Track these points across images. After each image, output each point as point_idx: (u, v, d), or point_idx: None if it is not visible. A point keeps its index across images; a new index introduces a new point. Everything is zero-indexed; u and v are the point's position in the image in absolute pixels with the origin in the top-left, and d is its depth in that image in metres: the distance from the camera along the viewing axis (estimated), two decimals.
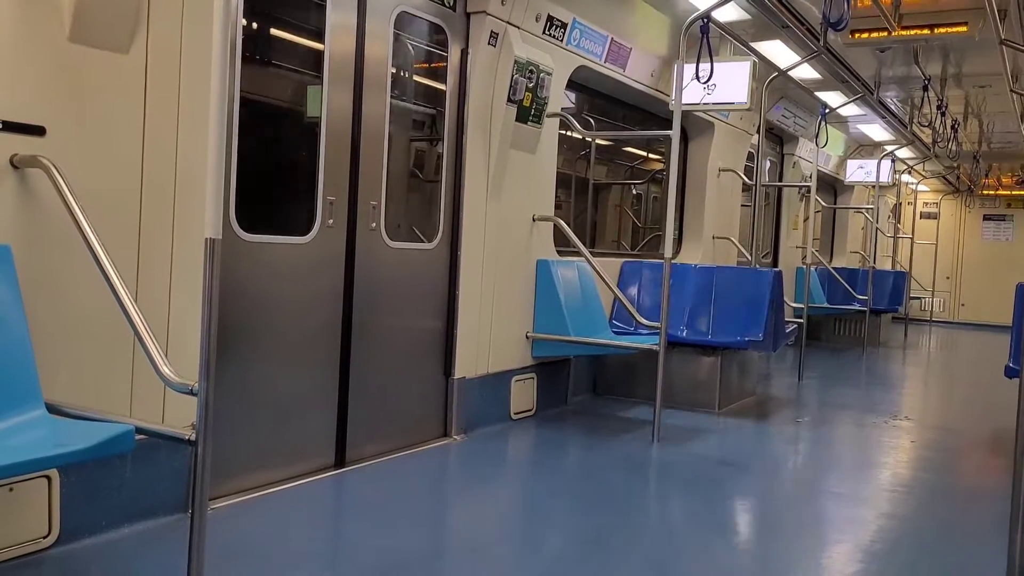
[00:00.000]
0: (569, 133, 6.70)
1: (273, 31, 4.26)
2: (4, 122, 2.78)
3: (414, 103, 5.13)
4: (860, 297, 11.31)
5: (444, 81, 5.04)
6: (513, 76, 5.15)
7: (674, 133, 5.47)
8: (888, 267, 14.39)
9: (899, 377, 10.12)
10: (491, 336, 5.39)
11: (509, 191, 5.44)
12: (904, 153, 13.02)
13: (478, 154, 5.17)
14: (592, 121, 7.42)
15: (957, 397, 8.98)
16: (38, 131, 2.88)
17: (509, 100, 5.18)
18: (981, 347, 13.74)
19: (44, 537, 3.00)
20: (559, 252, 6.06)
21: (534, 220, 5.76)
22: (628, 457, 5.08)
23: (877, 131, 11.79)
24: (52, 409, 2.68)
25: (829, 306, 11.42)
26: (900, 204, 16.36)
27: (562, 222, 5.92)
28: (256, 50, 3.97)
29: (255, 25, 3.97)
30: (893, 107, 10.34)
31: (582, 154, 7.72)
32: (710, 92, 6.61)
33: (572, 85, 6.19)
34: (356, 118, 4.36)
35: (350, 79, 4.32)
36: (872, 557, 3.67)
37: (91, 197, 2.92)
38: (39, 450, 2.38)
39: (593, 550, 3.50)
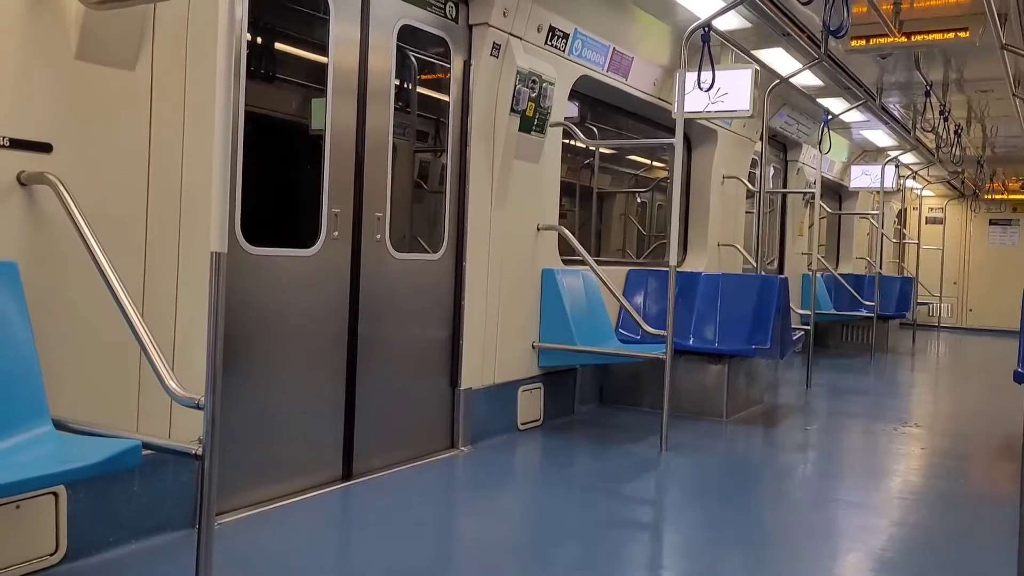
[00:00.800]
0: (573, 142, 6.71)
1: (277, 45, 4.28)
2: (11, 139, 2.80)
3: (418, 114, 5.14)
4: (867, 303, 11.29)
5: (447, 92, 5.05)
6: (516, 86, 5.16)
7: (677, 141, 5.48)
8: (894, 273, 14.36)
9: (908, 383, 10.09)
10: (497, 346, 5.38)
11: (513, 201, 5.45)
12: (908, 158, 13.01)
13: (482, 164, 5.18)
14: (595, 130, 7.43)
15: (967, 403, 8.94)
16: (45, 148, 2.89)
17: (512, 110, 5.19)
18: (990, 352, 13.69)
19: (51, 554, 2.99)
20: (564, 261, 6.06)
21: (539, 229, 5.76)
22: (636, 467, 5.06)
23: (880, 137, 11.79)
24: (59, 425, 2.69)
25: (836, 312, 11.39)
26: (905, 209, 16.34)
27: (567, 231, 5.92)
28: (260, 64, 3.99)
29: (259, 39, 3.99)
30: (896, 113, 10.34)
31: (586, 163, 7.73)
32: (713, 100, 6.62)
33: (575, 95, 6.20)
34: (360, 130, 4.37)
35: (354, 91, 4.33)
36: (884, 565, 3.65)
37: (97, 213, 2.93)
38: (46, 467, 2.38)
39: (602, 561, 3.48)
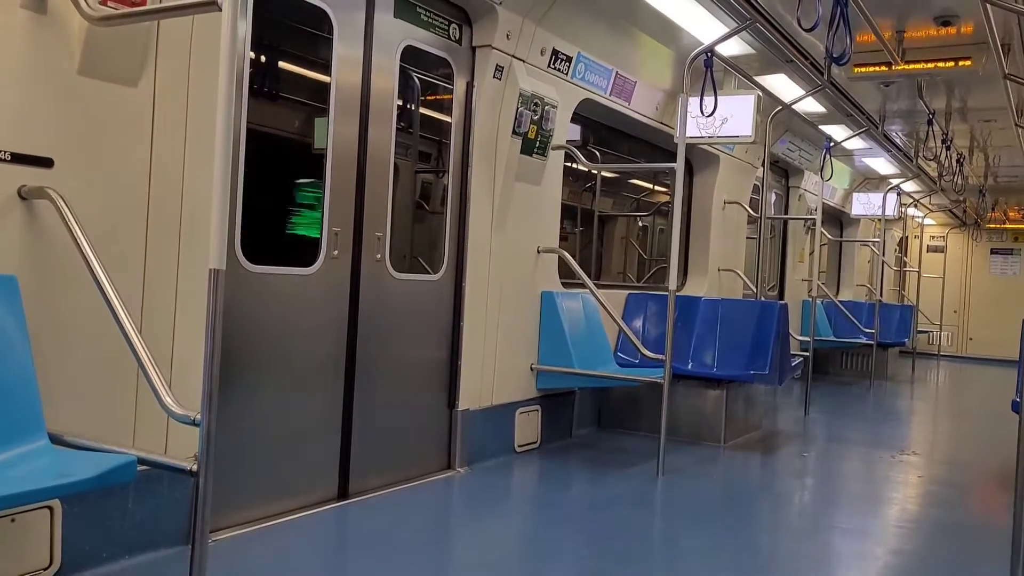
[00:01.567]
0: (574, 165, 6.73)
1: (280, 64, 4.31)
2: (12, 154, 2.81)
3: (420, 135, 5.17)
4: (867, 330, 11.27)
5: (450, 113, 5.08)
6: (518, 109, 5.19)
7: (679, 166, 5.50)
8: (895, 300, 14.35)
9: (906, 411, 10.06)
10: (495, 368, 5.38)
11: (514, 223, 5.46)
12: (910, 186, 13.03)
13: (483, 186, 5.19)
14: (597, 153, 7.46)
15: (965, 432, 8.91)
16: (46, 163, 2.90)
17: (514, 132, 5.22)
18: (989, 382, 13.65)
19: (45, 568, 2.98)
20: (564, 284, 6.07)
21: (539, 252, 5.77)
22: (633, 491, 5.04)
23: (883, 164, 11.82)
24: (55, 439, 2.68)
25: (835, 339, 11.37)
26: (906, 237, 16.36)
27: (567, 254, 5.93)
28: (263, 83, 4.01)
29: (262, 58, 4.02)
30: (898, 141, 10.37)
31: (588, 186, 7.75)
32: (715, 125, 6.65)
33: (577, 118, 6.23)
34: (362, 149, 4.39)
35: (356, 111, 4.35)
36: None
37: (97, 228, 2.94)
38: (41, 480, 2.38)
39: None
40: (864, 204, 12.53)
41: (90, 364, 3.06)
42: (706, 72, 5.89)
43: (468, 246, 5.12)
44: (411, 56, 4.72)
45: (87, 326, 3.00)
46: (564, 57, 5.68)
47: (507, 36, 5.09)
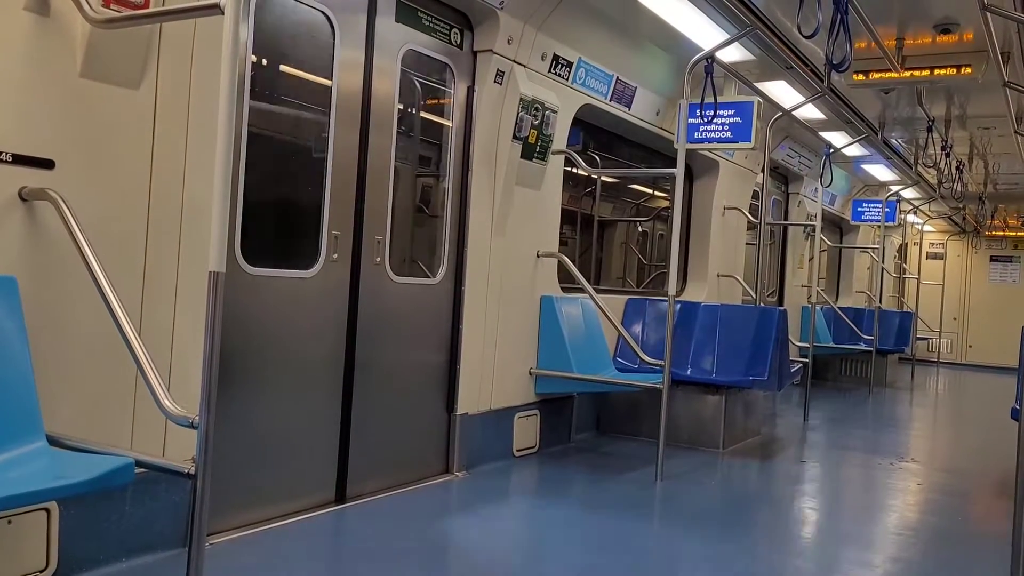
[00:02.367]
0: (574, 170, 6.74)
1: (281, 67, 4.31)
2: (14, 155, 2.82)
3: (420, 139, 5.17)
4: (866, 337, 11.27)
5: (450, 117, 5.08)
6: (519, 113, 5.19)
7: (679, 171, 5.50)
8: (894, 307, 14.35)
9: (906, 418, 10.05)
10: (494, 372, 5.38)
11: (514, 227, 5.47)
12: (909, 193, 13.05)
13: (483, 190, 5.20)
14: (597, 158, 7.46)
15: (964, 439, 8.91)
16: (47, 164, 2.91)
17: (514, 137, 5.22)
18: (989, 389, 13.65)
19: (42, 571, 2.98)
20: (563, 288, 6.07)
21: (538, 256, 5.77)
22: (631, 496, 5.04)
23: (882, 171, 11.83)
24: (53, 441, 2.68)
25: (835, 346, 11.38)
26: (906, 244, 16.37)
27: (566, 259, 5.94)
28: (264, 86, 4.01)
29: (264, 61, 4.02)
30: (898, 147, 10.38)
31: (588, 191, 7.75)
32: (715, 131, 6.66)
33: (577, 122, 6.23)
34: (362, 153, 4.39)
35: (357, 115, 4.36)
36: None
37: (98, 230, 2.94)
38: (39, 482, 2.38)
39: None
40: (864, 210, 12.54)
41: (89, 366, 3.06)
42: (706, 78, 5.90)
43: (468, 250, 5.12)
44: (412, 60, 4.73)
45: (86, 328, 3.01)
46: (565, 62, 5.69)
47: (508, 41, 5.10)
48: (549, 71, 5.57)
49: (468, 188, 5.12)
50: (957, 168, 10.79)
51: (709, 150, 7.66)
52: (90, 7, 2.85)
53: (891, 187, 12.61)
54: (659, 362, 5.46)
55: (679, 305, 6.78)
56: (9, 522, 2.87)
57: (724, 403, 6.43)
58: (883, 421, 9.50)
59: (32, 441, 2.62)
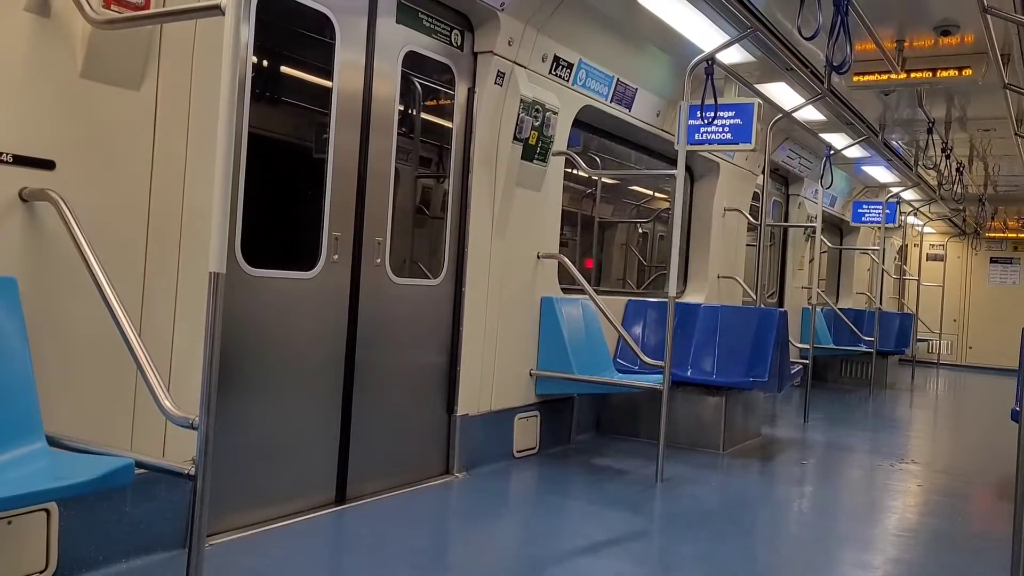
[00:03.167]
0: (575, 171, 6.74)
1: (282, 68, 4.31)
2: (14, 155, 2.82)
3: (421, 140, 5.17)
4: (866, 338, 11.27)
5: (451, 119, 5.08)
6: (519, 115, 5.20)
7: (679, 172, 5.50)
8: (895, 309, 14.35)
9: (906, 420, 10.05)
10: (495, 373, 5.38)
11: (514, 228, 5.47)
12: (910, 195, 13.05)
13: (484, 191, 5.20)
14: (598, 160, 7.46)
15: (964, 441, 8.91)
16: (47, 165, 2.91)
17: (515, 138, 5.23)
18: (989, 390, 13.65)
19: (41, 572, 2.97)
20: (564, 289, 6.07)
21: (539, 257, 5.77)
22: (631, 498, 5.04)
23: (882, 173, 11.84)
24: (53, 442, 2.68)
25: (835, 347, 11.38)
26: (906, 246, 16.37)
27: (567, 260, 5.94)
28: (265, 87, 4.02)
29: (264, 62, 4.02)
30: (898, 149, 10.39)
31: (588, 192, 7.75)
32: (715, 133, 6.66)
33: (578, 124, 6.24)
34: (363, 154, 4.40)
35: (358, 116, 4.36)
36: None
37: (98, 231, 2.94)
38: (38, 483, 2.38)
39: None
40: (864, 212, 12.55)
41: (89, 367, 3.06)
42: (707, 80, 5.90)
43: (468, 251, 5.12)
44: (413, 62, 4.73)
45: (86, 328, 3.00)
46: (565, 64, 5.69)
47: (509, 42, 5.10)
48: (550, 72, 5.57)
49: (469, 189, 5.12)
50: (957, 170, 10.79)
51: (709, 152, 7.66)
52: (91, 8, 2.85)
53: (891, 189, 12.61)
54: (659, 363, 5.46)
55: (679, 306, 6.77)
56: (9, 523, 2.87)
57: (724, 404, 6.43)
58: (883, 422, 9.50)
59: (32, 442, 2.62)
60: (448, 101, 5.09)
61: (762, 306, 8.10)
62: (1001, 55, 5.95)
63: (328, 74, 4.22)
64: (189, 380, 3.25)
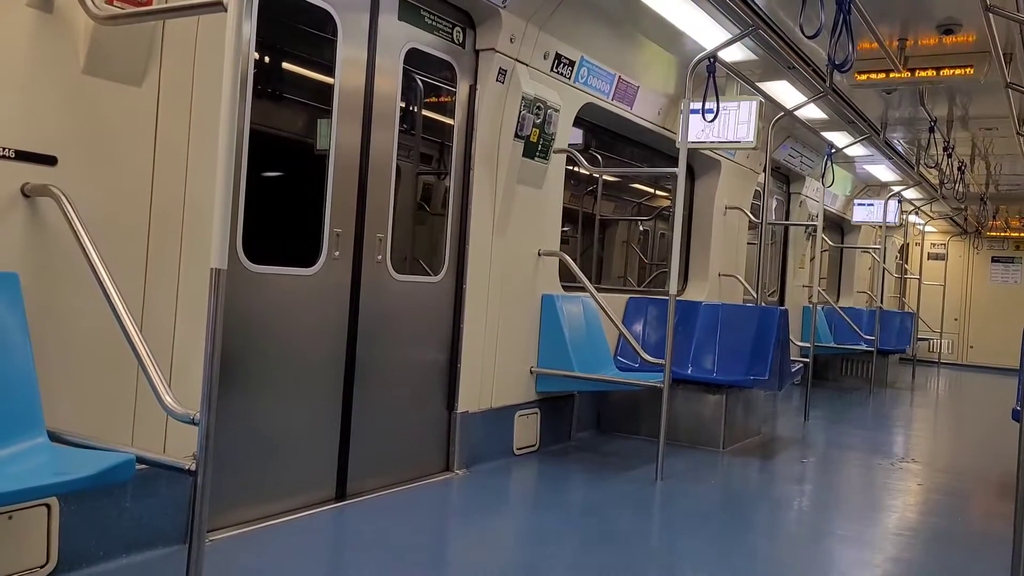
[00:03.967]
0: (576, 169, 6.74)
1: (284, 64, 4.31)
2: (16, 151, 2.82)
3: (422, 137, 5.17)
4: (867, 337, 11.27)
5: (452, 116, 5.08)
6: (521, 112, 5.20)
7: (680, 170, 5.50)
8: (895, 307, 14.35)
9: (906, 419, 10.05)
10: (495, 370, 5.38)
11: (515, 226, 5.47)
12: (911, 194, 13.04)
13: (485, 189, 5.20)
14: (599, 157, 7.46)
15: (965, 440, 8.91)
16: (50, 161, 2.91)
17: (516, 136, 5.23)
18: (989, 390, 13.65)
19: (42, 566, 2.98)
20: (564, 287, 6.07)
21: (539, 255, 5.77)
22: (631, 495, 5.04)
23: (884, 171, 11.83)
24: (54, 437, 2.69)
25: (836, 346, 11.37)
26: (907, 245, 16.37)
27: (567, 257, 5.94)
28: (267, 83, 4.02)
29: (267, 59, 4.02)
30: (900, 148, 10.38)
31: (589, 190, 7.75)
32: (716, 131, 6.66)
33: (579, 122, 6.24)
34: (364, 151, 4.40)
35: (359, 113, 4.36)
36: None
37: (99, 227, 2.95)
38: (39, 478, 2.38)
39: None
40: (865, 211, 12.54)
41: (90, 362, 3.06)
42: (708, 78, 5.90)
43: (469, 248, 5.12)
44: (414, 58, 4.73)
45: (88, 324, 3.01)
46: (567, 61, 5.69)
47: (510, 40, 5.10)
48: (551, 70, 5.57)
49: (470, 186, 5.12)
50: (959, 169, 10.79)
51: (711, 150, 7.66)
52: (93, 4, 2.85)
53: (893, 187, 12.60)
54: (660, 361, 5.46)
55: (680, 304, 6.77)
56: (10, 517, 2.88)
57: (725, 402, 6.43)
58: (883, 421, 9.50)
59: (33, 437, 2.63)
60: (449, 98, 5.09)
61: (763, 304, 8.10)
62: (1003, 54, 5.95)
63: (330, 70, 4.22)
64: (190, 376, 3.26)
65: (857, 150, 10.01)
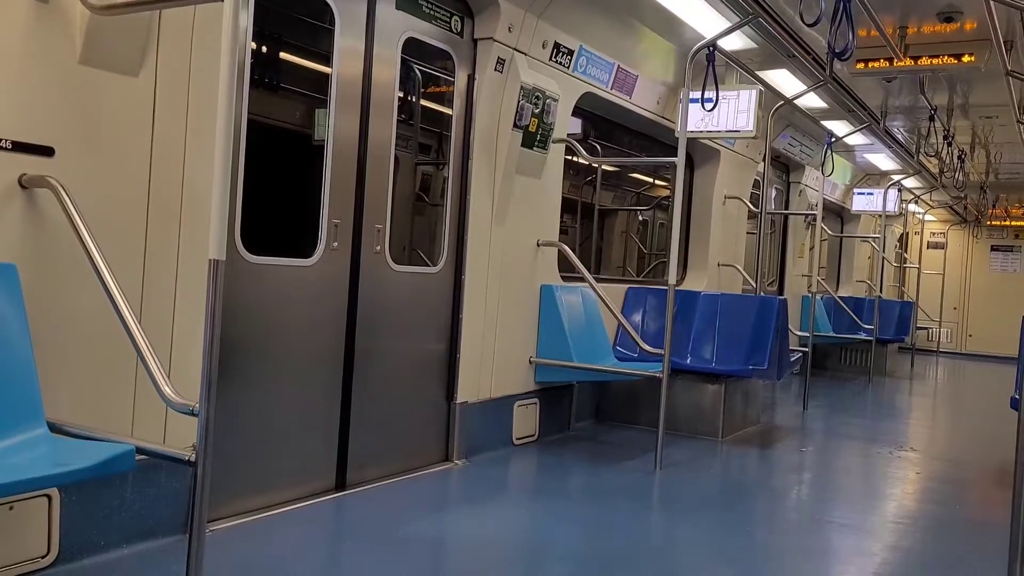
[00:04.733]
0: (575, 159, 6.72)
1: (281, 55, 4.30)
2: (13, 142, 2.81)
3: (420, 127, 5.16)
4: (866, 326, 11.28)
5: (451, 106, 5.07)
6: (519, 102, 5.18)
7: (679, 160, 5.49)
8: (895, 297, 14.35)
9: (905, 407, 10.07)
10: (494, 361, 5.38)
11: (514, 216, 5.46)
12: (911, 183, 13.02)
13: (483, 179, 5.19)
14: (598, 147, 7.45)
15: (963, 428, 8.93)
16: (47, 152, 2.90)
17: (515, 126, 5.21)
18: (988, 378, 13.67)
19: (43, 556, 2.99)
20: (564, 277, 6.07)
21: (538, 245, 5.77)
22: (630, 484, 5.05)
23: (884, 160, 11.81)
24: (54, 428, 2.69)
25: (835, 335, 11.38)
26: (907, 233, 16.35)
27: (566, 248, 5.93)
28: (264, 73, 4.01)
29: (264, 49, 4.01)
30: (900, 136, 10.36)
31: (588, 180, 7.74)
32: (716, 120, 6.65)
33: (578, 111, 6.22)
34: (362, 141, 4.39)
35: (357, 103, 4.35)
36: None
37: (97, 218, 2.94)
38: (40, 469, 2.39)
39: None
40: (865, 200, 12.52)
41: (89, 353, 3.06)
42: (708, 66, 5.88)
43: (468, 239, 5.12)
44: (412, 48, 4.72)
45: (87, 315, 3.01)
46: (566, 50, 5.68)
47: (509, 29, 5.08)
48: (550, 59, 5.56)
49: (468, 177, 5.12)
50: (959, 157, 10.77)
51: (710, 139, 7.64)
52: None
53: (892, 176, 12.58)
54: (659, 351, 5.46)
55: (679, 294, 6.76)
56: (11, 508, 2.88)
57: (724, 392, 6.44)
58: (882, 410, 9.52)
59: (33, 428, 2.63)
60: (448, 88, 5.07)
61: (762, 294, 8.10)
62: (1004, 42, 5.93)
63: (327, 60, 4.21)
64: (189, 367, 3.26)
65: (857, 139, 9.99)
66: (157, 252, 3.28)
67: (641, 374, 5.66)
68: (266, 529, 3.74)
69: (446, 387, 5.11)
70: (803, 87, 7.53)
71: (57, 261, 2.94)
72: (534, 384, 5.81)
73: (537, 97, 5.31)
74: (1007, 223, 16.94)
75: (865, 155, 11.59)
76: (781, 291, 11.05)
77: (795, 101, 7.84)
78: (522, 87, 5.18)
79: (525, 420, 5.74)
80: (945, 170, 10.99)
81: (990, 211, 15.96)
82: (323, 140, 4.21)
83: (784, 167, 11.03)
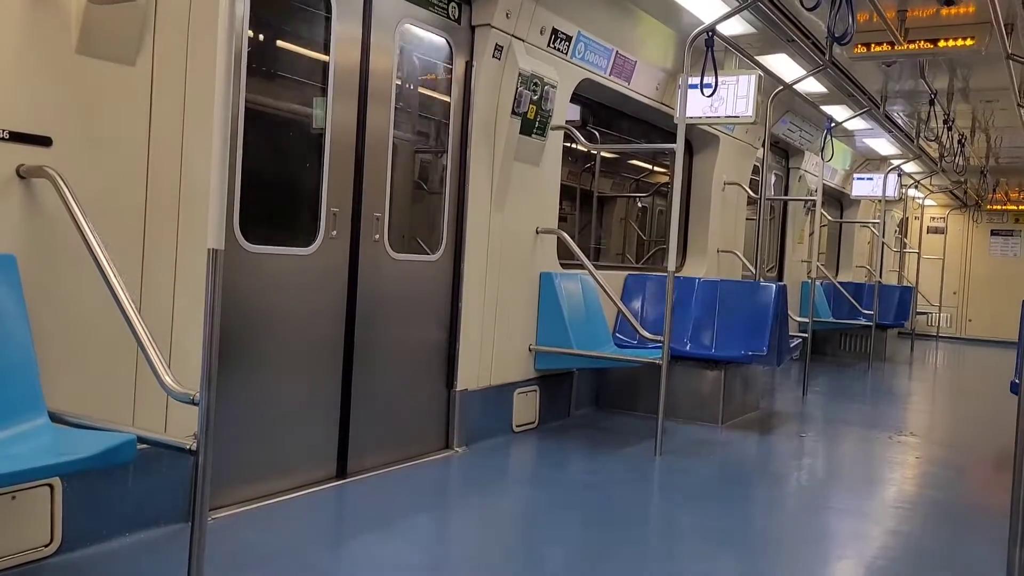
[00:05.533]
0: (574, 145, 6.71)
1: (278, 42, 4.28)
2: (11, 132, 2.81)
3: (419, 115, 5.15)
4: (866, 312, 11.28)
5: (449, 93, 5.06)
6: (517, 88, 5.17)
7: (678, 146, 5.48)
8: (894, 282, 14.36)
9: (904, 392, 10.09)
10: (494, 348, 5.39)
11: (513, 203, 5.45)
12: (911, 167, 13.01)
13: (482, 166, 5.18)
14: (597, 134, 7.43)
15: (963, 413, 8.94)
16: (44, 142, 2.90)
17: (513, 112, 5.20)
18: (988, 363, 13.69)
19: (46, 546, 3.01)
20: (563, 264, 6.07)
21: (538, 232, 5.76)
22: (631, 471, 5.07)
23: (883, 145, 11.79)
24: (55, 418, 2.70)
25: (834, 321, 11.39)
26: (907, 218, 16.34)
27: (565, 235, 5.93)
28: (261, 61, 3.99)
29: (261, 36, 3.99)
30: (899, 121, 10.34)
31: (587, 167, 7.73)
32: (715, 105, 6.63)
33: (577, 98, 6.20)
34: (360, 129, 4.38)
35: (355, 90, 4.34)
36: (875, 573, 3.66)
37: (96, 207, 2.94)
38: (41, 458, 2.39)
39: (596, 565, 3.49)
40: (864, 185, 12.51)
41: (90, 343, 3.07)
42: (707, 52, 5.86)
43: (467, 227, 5.11)
44: (410, 35, 4.70)
45: (86, 305, 3.01)
46: (564, 36, 5.65)
47: (506, 15, 5.06)
48: (548, 45, 5.53)
49: (467, 164, 5.11)
50: (959, 142, 10.75)
51: (709, 125, 7.62)
52: None
53: (892, 161, 12.57)
54: (658, 338, 5.47)
55: (678, 281, 6.77)
56: (13, 498, 2.89)
57: (723, 378, 6.45)
58: (882, 395, 9.54)
59: (34, 418, 2.64)
60: (446, 75, 5.06)
61: (761, 280, 8.10)
62: (1004, 25, 5.90)
63: (325, 48, 4.19)
64: (190, 356, 3.26)
65: (857, 124, 9.97)
66: (156, 241, 3.28)
67: (641, 361, 5.66)
68: (267, 517, 3.75)
69: (446, 375, 5.11)
70: (803, 72, 7.50)
71: (56, 251, 2.94)
72: (534, 371, 5.82)
73: (535, 84, 5.29)
74: (1007, 207, 16.93)
75: (865, 140, 11.56)
76: (780, 277, 11.05)
77: (795, 86, 7.82)
78: (520, 74, 5.16)
79: (525, 407, 5.75)
80: (945, 154, 10.97)
81: (990, 195, 15.94)
82: (322, 128, 4.20)
83: (784, 152, 11.01)
